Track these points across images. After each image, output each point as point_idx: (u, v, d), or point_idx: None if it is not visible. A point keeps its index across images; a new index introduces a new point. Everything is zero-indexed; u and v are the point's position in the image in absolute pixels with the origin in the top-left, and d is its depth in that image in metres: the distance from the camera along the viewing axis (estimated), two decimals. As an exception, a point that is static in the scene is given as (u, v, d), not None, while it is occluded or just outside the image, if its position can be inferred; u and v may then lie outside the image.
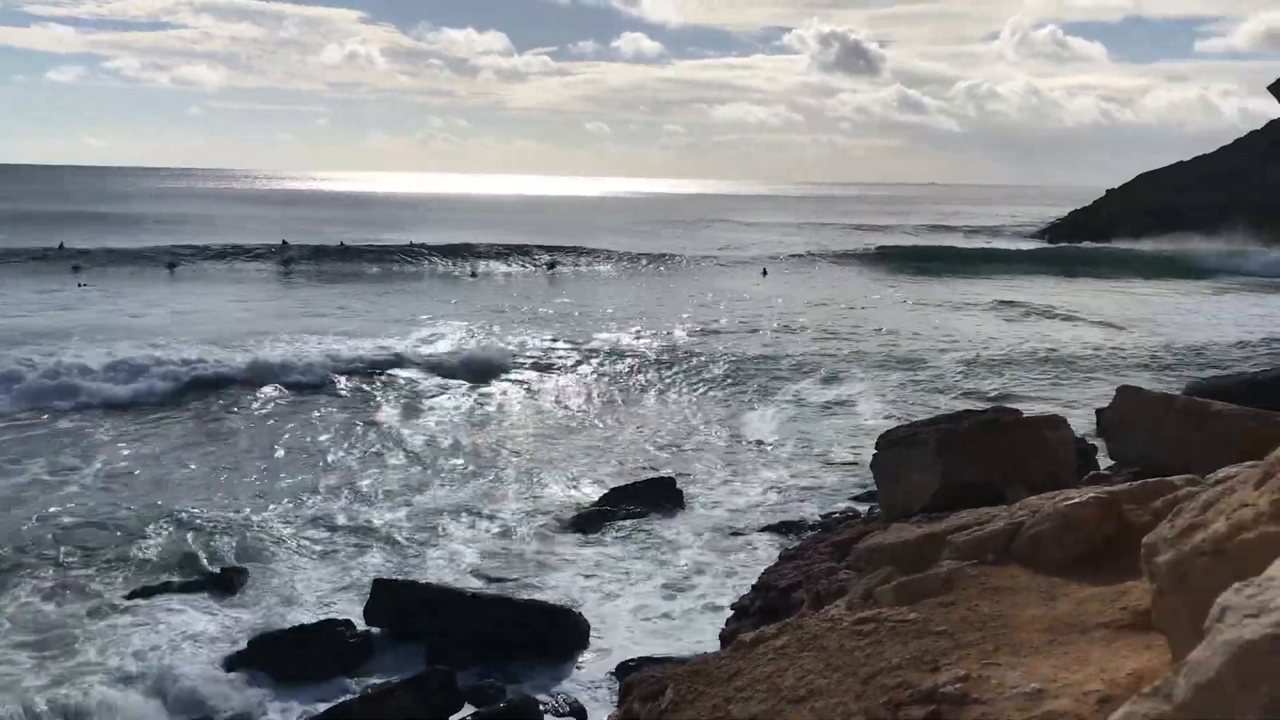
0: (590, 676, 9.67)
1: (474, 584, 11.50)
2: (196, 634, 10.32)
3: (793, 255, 53.50)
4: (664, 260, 49.47)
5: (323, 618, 10.40)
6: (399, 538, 13.15)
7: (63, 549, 12.34)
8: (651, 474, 15.64)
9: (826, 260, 51.88)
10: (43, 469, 15.35)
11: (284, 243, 49.95)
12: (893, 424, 14.26)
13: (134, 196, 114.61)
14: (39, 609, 10.72)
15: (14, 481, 14.71)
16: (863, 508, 13.40)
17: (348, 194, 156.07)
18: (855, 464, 16.38)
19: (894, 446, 9.52)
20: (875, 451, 9.97)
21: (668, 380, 22.32)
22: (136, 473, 15.36)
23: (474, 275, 45.38)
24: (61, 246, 46.39)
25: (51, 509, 13.58)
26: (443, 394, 20.79)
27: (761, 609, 7.93)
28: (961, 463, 8.82)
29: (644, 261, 48.91)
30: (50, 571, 11.69)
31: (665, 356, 24.66)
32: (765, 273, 48.33)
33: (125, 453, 16.32)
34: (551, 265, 47.56)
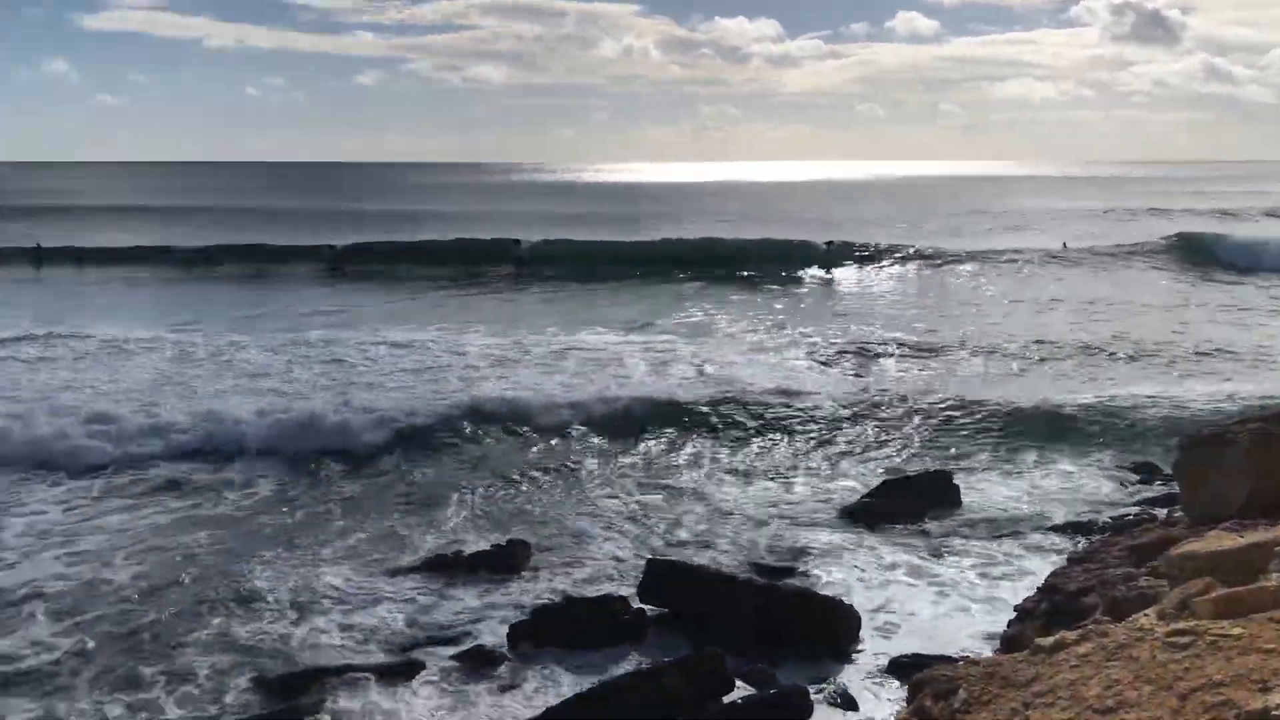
0: (861, 670, 9.51)
1: (745, 570, 11.57)
2: (481, 602, 11.01)
3: (1086, 247, 46.30)
4: (942, 257, 44.00)
5: (600, 593, 10.81)
6: (675, 521, 13.46)
7: (347, 524, 13.46)
8: (925, 468, 15.25)
9: (1124, 252, 45.36)
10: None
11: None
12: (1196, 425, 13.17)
13: (414, 190, 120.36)
14: (329, 581, 11.64)
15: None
16: (1159, 511, 12.47)
17: (617, 184, 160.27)
18: (1149, 463, 15.29)
19: (1200, 447, 8.79)
20: (1179, 451, 9.24)
21: (949, 374, 21.57)
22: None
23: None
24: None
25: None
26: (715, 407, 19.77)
27: (1048, 612, 7.53)
28: (1278, 466, 8.03)
29: (918, 256, 44.14)
30: (336, 544, 12.73)
31: (946, 352, 23.80)
32: (1065, 246, 45.18)
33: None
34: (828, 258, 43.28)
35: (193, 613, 10.74)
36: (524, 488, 14.86)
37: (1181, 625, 3.57)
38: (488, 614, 10.72)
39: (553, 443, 17.00)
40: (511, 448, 16.80)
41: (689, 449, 16.78)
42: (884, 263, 43.28)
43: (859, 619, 10.13)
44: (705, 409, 18.47)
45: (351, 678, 9.29)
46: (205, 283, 39.00)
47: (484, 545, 12.35)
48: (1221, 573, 4.25)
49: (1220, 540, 4.80)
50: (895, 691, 9.03)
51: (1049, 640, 3.75)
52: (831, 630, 9.93)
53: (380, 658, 9.74)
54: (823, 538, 12.80)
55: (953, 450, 16.62)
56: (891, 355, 23.74)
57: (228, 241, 47.04)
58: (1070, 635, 3.74)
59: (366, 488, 14.86)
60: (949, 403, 18.70)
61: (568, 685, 9.25)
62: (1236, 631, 3.47)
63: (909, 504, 13.56)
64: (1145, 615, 3.91)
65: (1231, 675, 3.17)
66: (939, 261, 43.07)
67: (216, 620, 10.57)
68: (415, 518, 13.62)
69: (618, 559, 12.18)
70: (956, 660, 4.97)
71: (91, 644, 9.99)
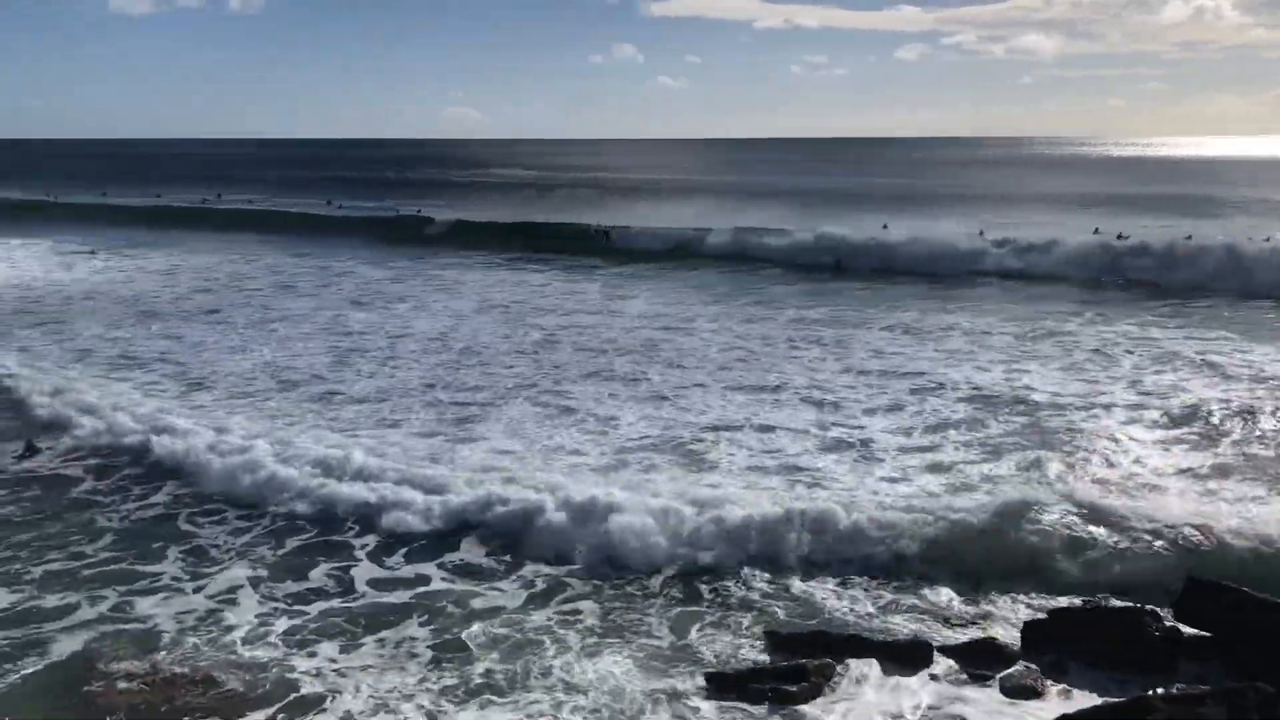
0: None
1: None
2: (995, 594, 10.71)
3: None
4: None
5: (1130, 604, 10.04)
6: (1223, 542, 12.07)
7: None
8: None
9: None
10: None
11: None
12: None
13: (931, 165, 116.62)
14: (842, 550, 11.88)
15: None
16: None
17: (1182, 159, 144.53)
18: None
19: None
20: None
21: None
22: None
23: None
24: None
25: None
26: None
27: None
28: None
29: None
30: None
31: None
32: None
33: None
34: None
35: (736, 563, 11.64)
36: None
37: None
38: (1001, 608, 10.42)
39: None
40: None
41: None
42: None
43: None
44: None
45: (858, 650, 9.49)
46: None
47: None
48: None
49: None
50: None
51: None
52: None
53: (887, 634, 9.84)
54: None
55: None
56: None
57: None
58: None
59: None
60: None
61: (1084, 696, 8.76)
62: None
63: None
64: None
65: None
66: None
67: (751, 570, 11.42)
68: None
69: (1154, 570, 11.17)
70: None
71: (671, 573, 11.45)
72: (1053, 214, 52.44)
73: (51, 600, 10.79)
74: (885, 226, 43.72)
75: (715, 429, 16.18)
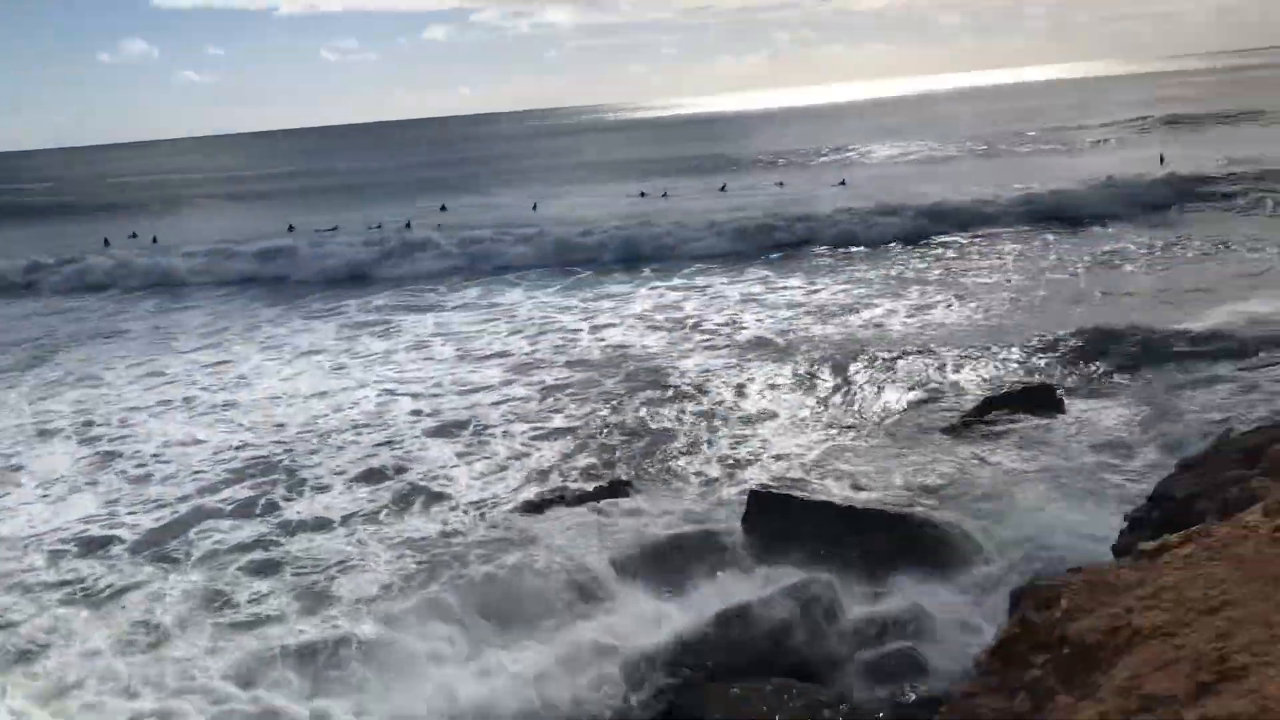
0: (975, 593, 9.40)
1: (854, 495, 11.51)
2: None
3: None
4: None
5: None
6: (774, 448, 13.53)
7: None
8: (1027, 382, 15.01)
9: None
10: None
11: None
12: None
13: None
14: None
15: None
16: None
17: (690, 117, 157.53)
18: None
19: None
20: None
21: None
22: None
23: None
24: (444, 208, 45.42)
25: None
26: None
27: (1159, 521, 7.40)
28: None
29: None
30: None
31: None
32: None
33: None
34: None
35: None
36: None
37: (1288, 520, 3.53)
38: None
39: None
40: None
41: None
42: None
43: (978, 546, 9.97)
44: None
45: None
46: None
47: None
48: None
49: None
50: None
51: (1151, 545, 3.74)
52: (944, 554, 9.81)
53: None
54: (929, 455, 12.63)
55: (1056, 357, 16.50)
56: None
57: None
58: (1173, 539, 3.73)
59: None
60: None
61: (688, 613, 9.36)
62: (1347, 524, 3.40)
63: (1012, 418, 13.31)
64: (1251, 513, 3.86)
65: (1342, 568, 3.12)
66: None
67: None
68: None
69: (715, 494, 12.28)
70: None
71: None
72: (600, 181, 55.78)
73: None
74: (443, 208, 44.89)
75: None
